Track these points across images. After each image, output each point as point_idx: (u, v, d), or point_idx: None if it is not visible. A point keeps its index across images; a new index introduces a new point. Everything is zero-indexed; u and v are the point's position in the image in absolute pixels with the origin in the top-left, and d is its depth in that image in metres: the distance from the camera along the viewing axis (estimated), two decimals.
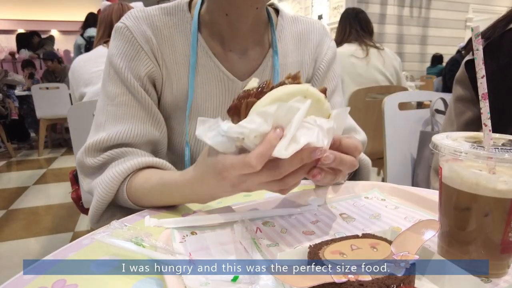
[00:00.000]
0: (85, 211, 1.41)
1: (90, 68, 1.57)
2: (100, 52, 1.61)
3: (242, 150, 0.41)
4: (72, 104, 1.83)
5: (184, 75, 0.70)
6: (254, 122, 0.38)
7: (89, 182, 0.64)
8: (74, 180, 1.40)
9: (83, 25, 3.35)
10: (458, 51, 4.41)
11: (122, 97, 0.65)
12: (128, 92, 0.65)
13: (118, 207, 0.63)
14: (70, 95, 4.19)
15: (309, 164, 0.42)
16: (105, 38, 1.65)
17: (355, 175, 0.74)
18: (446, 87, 3.69)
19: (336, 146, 0.44)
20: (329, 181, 0.47)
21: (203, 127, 0.42)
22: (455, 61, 3.77)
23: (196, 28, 0.69)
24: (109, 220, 0.60)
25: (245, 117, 0.39)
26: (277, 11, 0.76)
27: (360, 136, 0.75)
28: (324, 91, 0.44)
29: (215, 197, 0.51)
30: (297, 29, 0.76)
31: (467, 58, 0.94)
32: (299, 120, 0.39)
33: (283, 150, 0.37)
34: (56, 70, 4.84)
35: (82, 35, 3.33)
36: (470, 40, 0.97)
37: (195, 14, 0.69)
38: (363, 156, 0.70)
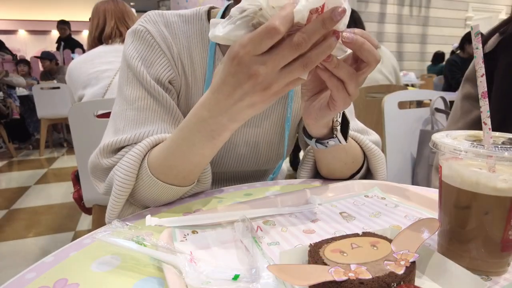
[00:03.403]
0: (87, 210, 1.41)
1: (88, 70, 1.53)
2: (96, 52, 1.57)
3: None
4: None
5: (200, 88, 0.68)
6: None
7: (104, 184, 0.60)
8: (76, 180, 1.40)
9: None
10: (453, 52, 4.41)
11: (142, 101, 0.61)
12: (149, 96, 0.62)
13: (138, 208, 0.59)
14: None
15: (331, 37, 0.39)
16: (97, 31, 1.60)
17: (369, 172, 0.72)
18: (448, 87, 3.70)
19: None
20: (346, 77, 0.44)
21: (213, 28, 0.40)
22: (453, 62, 3.77)
23: (214, 42, 0.66)
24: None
25: None
26: None
27: (373, 137, 0.74)
28: None
29: (233, 114, 0.44)
30: None
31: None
32: None
33: (304, 1, 0.36)
34: (52, 71, 4.89)
35: None
36: (464, 39, 0.97)
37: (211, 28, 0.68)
38: (373, 146, 0.68)
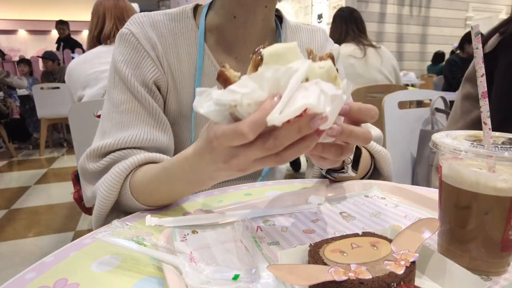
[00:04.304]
0: (87, 211, 1.41)
1: (87, 70, 1.53)
2: (95, 53, 1.57)
3: (237, 120, 0.36)
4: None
5: (189, 84, 0.69)
6: (247, 87, 0.34)
7: (92, 188, 0.63)
8: (76, 180, 1.40)
9: None
10: (453, 52, 4.42)
11: (128, 104, 0.63)
12: (134, 99, 0.63)
13: (122, 212, 0.62)
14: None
15: (311, 137, 0.36)
16: (98, 30, 1.59)
17: (375, 169, 0.72)
18: (448, 87, 3.70)
19: (344, 112, 0.39)
20: (334, 158, 0.41)
21: (199, 98, 0.37)
22: (453, 62, 3.77)
23: (203, 36, 0.68)
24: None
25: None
26: (279, 19, 0.76)
27: (374, 131, 0.73)
28: (330, 56, 0.38)
29: (212, 176, 0.45)
30: (300, 38, 0.76)
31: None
32: (298, 81, 0.33)
33: (277, 114, 0.32)
34: (54, 71, 4.91)
35: None
36: (463, 39, 0.97)
37: (201, 21, 0.68)
38: (380, 147, 0.68)
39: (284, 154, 0.37)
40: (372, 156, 0.70)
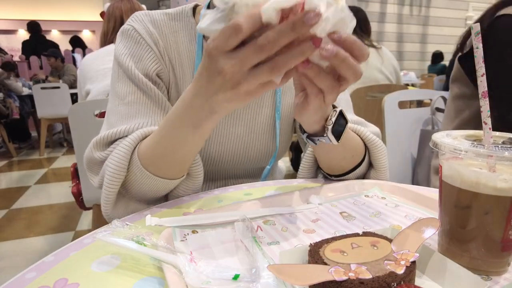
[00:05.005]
0: (84, 207, 1.42)
1: (97, 66, 1.57)
2: (108, 49, 1.61)
3: None
4: (73, 103, 1.83)
5: (189, 80, 0.70)
6: None
7: (98, 178, 0.61)
8: (75, 173, 1.40)
9: None
10: None
11: (132, 96, 0.64)
12: (138, 90, 0.64)
13: (132, 200, 0.60)
14: (70, 94, 4.23)
15: (307, 43, 0.36)
16: (114, 33, 1.63)
17: (370, 167, 0.71)
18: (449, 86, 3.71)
19: (339, 39, 0.38)
20: (326, 88, 0.43)
21: (201, 20, 0.41)
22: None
23: (201, 34, 0.69)
24: (124, 211, 0.58)
25: None
26: None
27: (372, 128, 0.73)
28: None
29: (209, 103, 0.44)
30: None
31: (459, 54, 0.95)
32: None
33: (272, 0, 0.34)
34: (58, 68, 4.97)
35: None
36: (464, 38, 0.99)
37: (200, 19, 0.69)
38: (374, 137, 0.67)
39: (279, 59, 0.37)
40: (366, 146, 0.68)
